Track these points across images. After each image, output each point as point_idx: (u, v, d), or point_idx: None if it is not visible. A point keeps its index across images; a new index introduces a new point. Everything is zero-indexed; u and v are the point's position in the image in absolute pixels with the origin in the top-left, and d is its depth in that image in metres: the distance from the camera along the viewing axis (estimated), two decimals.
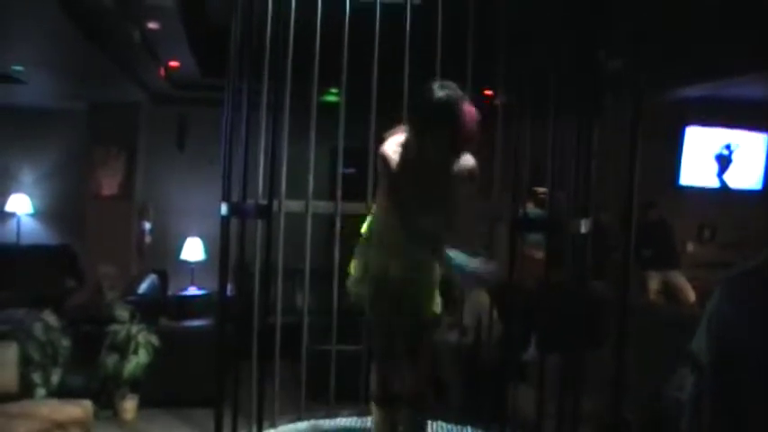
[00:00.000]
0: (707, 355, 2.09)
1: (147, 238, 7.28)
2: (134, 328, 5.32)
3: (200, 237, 7.39)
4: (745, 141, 8.01)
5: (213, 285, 7.27)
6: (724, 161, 8.04)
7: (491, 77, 3.89)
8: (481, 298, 5.00)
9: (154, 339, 5.39)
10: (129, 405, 5.32)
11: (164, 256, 7.29)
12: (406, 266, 3.10)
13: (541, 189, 6.84)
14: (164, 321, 5.85)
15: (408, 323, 3.16)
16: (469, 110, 2.85)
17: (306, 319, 4.29)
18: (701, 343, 2.12)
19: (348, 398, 4.18)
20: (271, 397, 3.83)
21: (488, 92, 4.98)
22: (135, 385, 5.36)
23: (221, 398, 3.52)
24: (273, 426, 3.94)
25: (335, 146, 4.18)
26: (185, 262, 7.36)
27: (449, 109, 2.82)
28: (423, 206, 3.03)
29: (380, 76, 3.90)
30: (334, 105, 4.22)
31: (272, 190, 3.12)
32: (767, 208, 8.21)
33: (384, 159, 2.96)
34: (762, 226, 8.20)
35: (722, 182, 7.96)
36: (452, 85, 2.87)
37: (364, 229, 3.29)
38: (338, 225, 4.14)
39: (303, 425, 4.04)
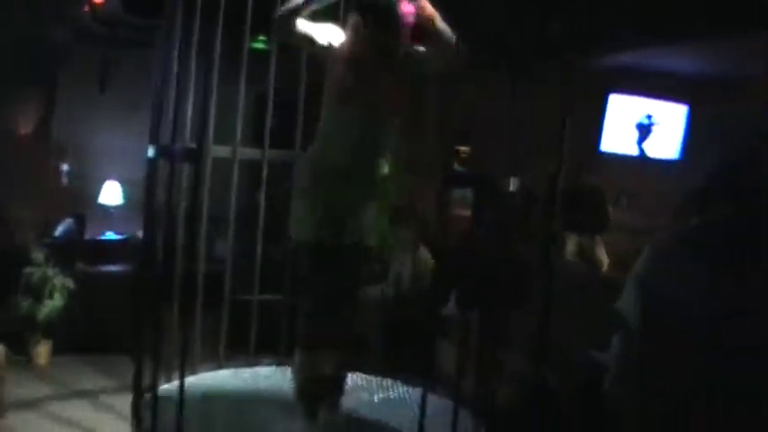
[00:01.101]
0: (635, 316, 2.16)
1: (64, 180, 7.06)
2: (50, 271, 5.18)
3: (120, 181, 7.21)
4: (665, 112, 8.24)
5: (131, 230, 7.14)
6: (644, 130, 8.26)
7: None
8: (404, 253, 5.04)
9: (69, 283, 5.26)
10: (43, 350, 5.21)
11: (82, 200, 7.09)
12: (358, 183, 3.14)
13: (464, 148, 6.92)
14: (80, 266, 5.71)
15: (352, 251, 3.17)
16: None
17: (229, 268, 4.23)
18: (629, 305, 2.18)
19: (267, 348, 4.19)
20: (191, 345, 3.77)
21: None
22: (49, 330, 5.24)
23: (141, 345, 3.45)
24: (194, 373, 3.92)
25: (262, 92, 4.16)
26: (104, 206, 7.17)
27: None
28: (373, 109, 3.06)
29: None
30: (261, 52, 4.17)
31: (201, 133, 3.03)
32: (684, 177, 8.48)
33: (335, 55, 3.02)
34: (678, 194, 8.44)
35: (642, 150, 8.18)
36: None
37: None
38: (265, 171, 4.09)
39: (224, 373, 4.03)
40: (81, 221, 6.76)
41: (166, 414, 3.08)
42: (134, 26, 6.60)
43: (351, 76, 3.02)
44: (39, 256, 5.22)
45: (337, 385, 3.37)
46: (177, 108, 3.36)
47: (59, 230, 6.29)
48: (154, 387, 3.22)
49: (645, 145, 8.17)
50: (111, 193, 7.14)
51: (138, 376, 3.48)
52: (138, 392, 3.48)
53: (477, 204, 3.25)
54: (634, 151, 8.14)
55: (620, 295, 2.27)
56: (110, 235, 7.05)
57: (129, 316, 5.81)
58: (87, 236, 6.88)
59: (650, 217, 7.45)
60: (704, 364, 2.03)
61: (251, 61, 4.03)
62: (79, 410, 4.60)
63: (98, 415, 4.56)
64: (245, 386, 3.93)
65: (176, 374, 3.51)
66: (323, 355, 3.29)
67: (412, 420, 3.42)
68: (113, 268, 6.23)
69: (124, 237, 7.00)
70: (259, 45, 7.40)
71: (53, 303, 5.14)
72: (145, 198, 3.41)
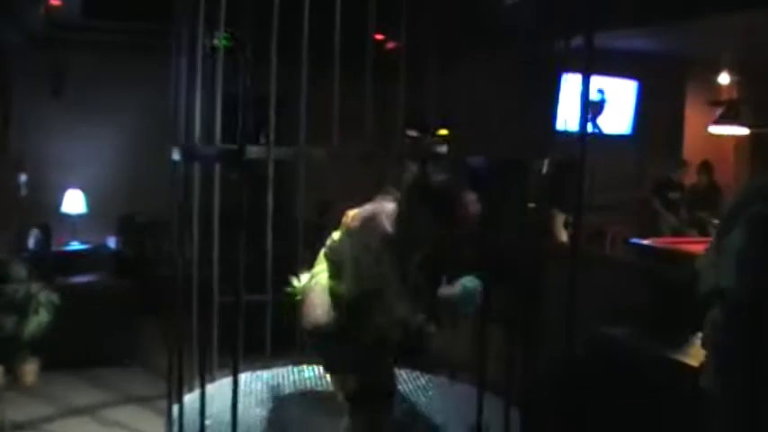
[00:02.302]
0: (738, 292, 2.20)
1: (23, 191, 6.79)
2: (33, 287, 4.96)
3: (81, 189, 6.97)
4: (616, 88, 8.45)
5: (96, 239, 6.94)
6: (597, 107, 8.44)
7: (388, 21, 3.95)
8: None
9: (54, 298, 5.05)
10: (31, 368, 4.99)
11: (43, 210, 6.83)
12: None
13: (412, 132, 6.93)
14: (59, 279, 5.52)
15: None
16: (470, 198, 2.85)
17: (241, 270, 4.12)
18: (730, 280, 2.22)
19: (254, 349, 4.09)
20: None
21: (379, 36, 4.99)
22: (34, 347, 5.03)
23: (173, 354, 3.36)
24: (212, 380, 3.84)
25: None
26: (66, 215, 6.93)
27: (450, 198, 2.80)
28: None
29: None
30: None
31: (243, 133, 2.94)
32: (636, 151, 8.75)
33: (378, 232, 2.84)
34: (631, 168, 8.75)
35: (596, 126, 8.35)
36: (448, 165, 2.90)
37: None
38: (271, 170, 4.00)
39: (243, 377, 3.96)
40: (47, 232, 6.52)
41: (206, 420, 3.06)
42: (91, 28, 6.40)
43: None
44: (20, 271, 4.99)
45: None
46: (190, 110, 3.28)
47: (31, 243, 6.05)
48: (180, 393, 3.18)
49: (598, 121, 8.36)
50: (74, 202, 6.89)
51: (172, 385, 3.41)
52: (172, 401, 3.41)
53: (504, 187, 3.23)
54: (588, 128, 8.29)
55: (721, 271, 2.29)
56: (75, 245, 6.81)
57: (112, 327, 5.72)
58: (53, 247, 6.64)
59: (606, 192, 7.66)
60: None
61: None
62: (82, 428, 4.46)
63: (102, 430, 4.44)
64: (268, 387, 3.88)
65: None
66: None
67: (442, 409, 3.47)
68: (84, 279, 6.06)
69: (90, 246, 6.80)
70: (223, 42, 7.27)
71: (39, 319, 4.92)
72: (176, 206, 3.28)
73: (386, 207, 2.92)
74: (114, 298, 5.93)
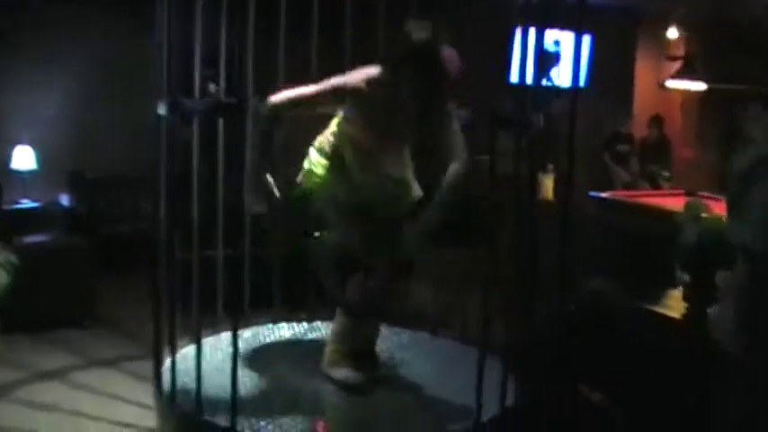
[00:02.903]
0: (761, 245, 2.23)
1: None
2: None
3: (31, 144, 6.68)
4: (570, 42, 8.44)
5: (47, 197, 6.70)
6: (553, 59, 8.45)
7: None
8: None
9: (14, 258, 4.86)
10: None
11: None
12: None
13: None
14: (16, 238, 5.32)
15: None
16: (449, 54, 2.90)
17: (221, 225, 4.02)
18: (750, 235, 2.25)
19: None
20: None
21: None
22: None
23: (158, 311, 3.27)
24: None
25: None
26: (16, 171, 6.64)
27: (430, 54, 2.86)
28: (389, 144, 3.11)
29: None
30: None
31: (244, 85, 2.83)
32: (590, 104, 8.80)
33: (358, 92, 2.97)
34: (586, 120, 8.81)
35: (550, 80, 8.38)
36: (429, 24, 2.89)
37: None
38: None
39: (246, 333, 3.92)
40: None
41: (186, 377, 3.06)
42: None
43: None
44: None
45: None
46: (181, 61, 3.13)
47: None
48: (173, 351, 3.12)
49: (552, 74, 8.38)
50: (23, 158, 6.61)
51: (156, 342, 3.34)
52: (157, 359, 3.35)
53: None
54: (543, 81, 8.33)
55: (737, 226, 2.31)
56: (26, 203, 6.57)
57: (69, 287, 5.55)
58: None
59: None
60: None
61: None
62: (53, 393, 4.33)
63: (75, 395, 4.32)
64: (248, 345, 3.82)
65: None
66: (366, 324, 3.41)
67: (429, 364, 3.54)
68: (38, 238, 5.85)
69: (42, 204, 6.57)
70: None
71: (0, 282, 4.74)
72: (163, 162, 3.15)
73: (369, 70, 3.02)
74: (69, 257, 5.74)
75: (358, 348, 3.38)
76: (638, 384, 3.53)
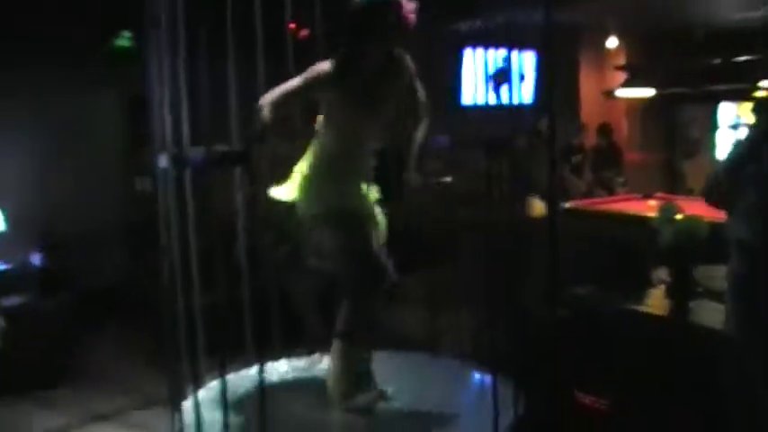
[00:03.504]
0: (754, 239, 2.40)
1: None
2: None
3: None
4: (517, 60, 8.69)
5: (18, 258, 6.61)
6: (503, 77, 8.67)
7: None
8: None
9: (2, 321, 4.84)
10: None
11: None
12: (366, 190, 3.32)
13: None
14: None
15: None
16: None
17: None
18: (746, 230, 2.42)
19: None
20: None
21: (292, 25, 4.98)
22: None
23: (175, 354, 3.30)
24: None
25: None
26: None
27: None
28: (371, 120, 3.24)
29: None
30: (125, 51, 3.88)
31: (249, 133, 2.92)
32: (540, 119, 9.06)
33: (325, 76, 3.09)
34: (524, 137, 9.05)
35: (499, 98, 8.59)
36: None
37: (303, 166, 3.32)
38: None
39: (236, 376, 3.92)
40: None
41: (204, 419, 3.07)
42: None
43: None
44: None
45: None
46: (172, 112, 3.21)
47: None
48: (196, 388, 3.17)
49: (502, 93, 8.61)
50: None
51: (173, 388, 3.36)
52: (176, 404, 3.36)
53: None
54: (492, 100, 8.54)
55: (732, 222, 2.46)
56: None
57: (53, 347, 5.53)
58: None
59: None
60: None
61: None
62: None
63: None
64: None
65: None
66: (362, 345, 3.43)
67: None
68: (14, 301, 5.81)
69: (13, 265, 6.49)
70: (124, 43, 7.04)
71: None
72: (162, 213, 3.20)
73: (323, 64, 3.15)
74: (48, 317, 5.75)
75: (358, 372, 3.43)
76: (634, 378, 3.69)
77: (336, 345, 3.45)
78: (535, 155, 3.60)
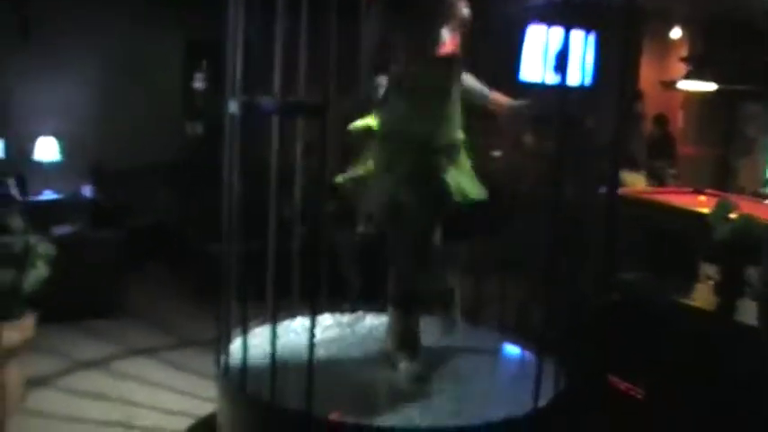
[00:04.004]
0: None
1: None
2: (31, 239, 4.82)
3: (55, 135, 6.75)
4: (578, 40, 8.59)
5: (70, 188, 6.76)
6: (561, 58, 8.58)
7: None
8: None
9: (51, 250, 4.93)
10: (29, 322, 4.88)
11: (15, 158, 6.59)
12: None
13: None
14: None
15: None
16: None
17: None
18: None
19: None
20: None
21: None
22: (32, 301, 4.92)
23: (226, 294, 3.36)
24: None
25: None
26: (39, 163, 6.70)
27: None
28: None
29: None
30: None
31: (328, 84, 2.93)
32: (597, 101, 8.95)
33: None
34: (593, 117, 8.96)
35: (564, 78, 8.51)
36: None
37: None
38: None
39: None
40: (21, 182, 6.32)
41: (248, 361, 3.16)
42: None
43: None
44: (18, 222, 4.83)
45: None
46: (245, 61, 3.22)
47: (15, 192, 5.85)
48: (244, 329, 3.23)
49: (562, 72, 8.52)
50: (47, 150, 6.67)
51: (222, 328, 3.45)
52: (222, 344, 3.45)
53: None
54: (552, 79, 8.47)
55: None
56: (49, 194, 6.63)
57: (98, 278, 5.63)
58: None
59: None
60: None
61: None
62: (96, 382, 4.42)
63: (118, 383, 4.41)
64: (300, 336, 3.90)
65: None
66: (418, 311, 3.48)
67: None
68: (64, 230, 5.92)
69: (66, 195, 6.63)
70: None
71: (38, 273, 4.80)
72: (237, 156, 3.23)
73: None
74: (96, 248, 5.84)
75: (410, 338, 3.48)
76: (676, 371, 3.69)
77: (391, 311, 3.48)
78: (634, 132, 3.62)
